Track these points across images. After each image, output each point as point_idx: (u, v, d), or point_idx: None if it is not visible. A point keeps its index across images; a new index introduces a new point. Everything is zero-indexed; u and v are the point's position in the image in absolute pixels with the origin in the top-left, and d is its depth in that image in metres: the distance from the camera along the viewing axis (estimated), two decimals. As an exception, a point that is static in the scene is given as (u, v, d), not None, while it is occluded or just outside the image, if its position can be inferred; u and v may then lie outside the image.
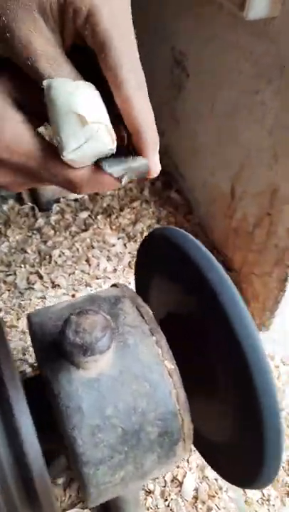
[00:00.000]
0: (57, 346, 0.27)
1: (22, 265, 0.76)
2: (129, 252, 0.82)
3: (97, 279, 0.70)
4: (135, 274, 0.41)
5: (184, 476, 0.53)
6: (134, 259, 0.83)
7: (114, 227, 0.84)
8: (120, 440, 0.27)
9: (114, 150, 0.36)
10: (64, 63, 0.37)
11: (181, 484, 0.53)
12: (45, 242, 0.81)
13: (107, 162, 0.37)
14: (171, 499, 0.52)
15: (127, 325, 0.29)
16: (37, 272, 0.74)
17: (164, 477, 0.56)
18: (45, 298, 0.61)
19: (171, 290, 0.34)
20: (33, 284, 0.72)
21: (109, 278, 0.65)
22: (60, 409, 0.26)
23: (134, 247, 0.83)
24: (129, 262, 0.80)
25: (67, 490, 0.49)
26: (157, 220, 0.88)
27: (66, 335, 0.25)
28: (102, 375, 0.27)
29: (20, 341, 0.53)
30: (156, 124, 0.35)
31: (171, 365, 0.28)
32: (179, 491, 0.52)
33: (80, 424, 0.26)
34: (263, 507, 0.76)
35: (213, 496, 0.54)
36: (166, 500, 0.51)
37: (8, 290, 0.72)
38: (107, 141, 0.36)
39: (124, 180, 0.37)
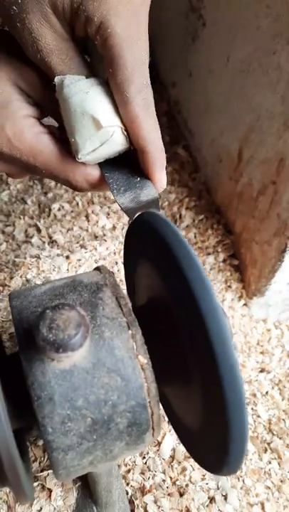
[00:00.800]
0: (32, 337, 0.27)
1: (21, 216, 0.76)
2: (130, 210, 0.80)
3: (95, 237, 0.70)
4: (123, 257, 0.41)
5: (163, 437, 0.56)
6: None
7: (116, 182, 0.83)
8: (89, 429, 0.28)
9: (128, 147, 0.35)
10: (76, 57, 0.35)
11: (159, 444, 0.56)
12: (45, 194, 0.80)
13: (115, 185, 0.36)
14: (149, 457, 0.55)
15: (105, 316, 0.29)
16: (35, 225, 0.74)
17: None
18: (39, 258, 0.61)
19: (151, 275, 0.34)
20: (31, 237, 0.72)
21: (105, 240, 0.65)
22: (32, 398, 0.27)
23: (135, 204, 0.82)
24: (129, 220, 0.79)
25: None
26: (161, 177, 0.86)
27: (40, 330, 0.25)
28: (75, 367, 0.28)
29: (7, 302, 0.54)
30: (168, 73, 0.33)
31: (144, 359, 0.29)
32: (157, 450, 0.55)
33: (50, 414, 0.27)
34: (241, 460, 0.81)
35: (189, 457, 0.57)
36: (144, 458, 0.54)
37: (6, 241, 0.72)
38: (122, 143, 0.35)
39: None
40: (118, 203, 0.36)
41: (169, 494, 0.51)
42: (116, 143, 0.35)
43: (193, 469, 0.56)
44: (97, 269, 0.34)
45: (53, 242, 0.69)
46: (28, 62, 0.36)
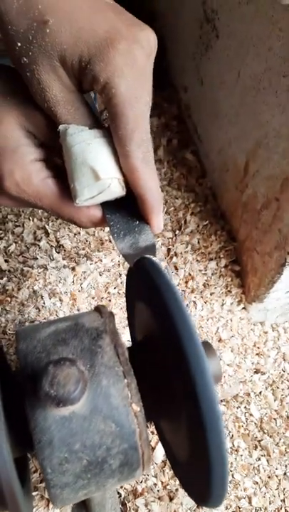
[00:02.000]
0: (36, 385, 0.29)
1: (30, 218, 0.78)
2: (136, 214, 0.82)
3: (101, 244, 0.72)
4: (125, 296, 0.43)
5: (157, 443, 0.60)
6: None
7: (124, 185, 0.84)
8: (84, 469, 0.31)
9: (124, 194, 0.37)
10: (81, 108, 0.37)
11: (153, 449, 0.60)
12: (54, 195, 0.82)
13: (116, 228, 0.38)
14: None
15: (103, 365, 0.32)
16: (44, 228, 0.76)
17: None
18: (46, 269, 0.63)
19: (146, 316, 0.37)
20: (39, 240, 0.74)
21: (111, 252, 0.67)
22: (34, 440, 0.30)
23: (141, 208, 0.83)
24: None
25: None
26: (169, 182, 0.87)
27: (42, 386, 0.28)
28: (74, 414, 0.30)
29: (18, 314, 0.57)
30: (180, 77, 0.36)
31: (137, 407, 0.31)
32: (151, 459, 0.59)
33: (50, 456, 0.30)
34: (231, 456, 0.85)
35: (181, 462, 0.61)
36: (138, 463, 0.58)
37: (16, 243, 0.75)
38: (118, 191, 0.37)
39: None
40: (118, 248, 0.39)
41: (159, 498, 0.55)
42: (112, 192, 0.38)
43: (184, 474, 0.60)
44: (98, 310, 0.37)
45: (60, 246, 0.72)
46: (36, 105, 0.38)
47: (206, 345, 0.38)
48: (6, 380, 0.35)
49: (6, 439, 0.29)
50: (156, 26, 0.91)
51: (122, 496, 0.55)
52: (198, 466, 0.32)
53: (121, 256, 0.41)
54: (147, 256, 0.38)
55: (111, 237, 0.40)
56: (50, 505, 0.45)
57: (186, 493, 0.58)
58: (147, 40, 0.36)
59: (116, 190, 0.38)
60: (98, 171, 0.37)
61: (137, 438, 0.31)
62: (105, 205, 0.40)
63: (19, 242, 0.74)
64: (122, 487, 0.55)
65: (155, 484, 0.56)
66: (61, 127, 0.38)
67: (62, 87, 0.36)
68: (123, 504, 0.54)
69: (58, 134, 0.38)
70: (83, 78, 0.36)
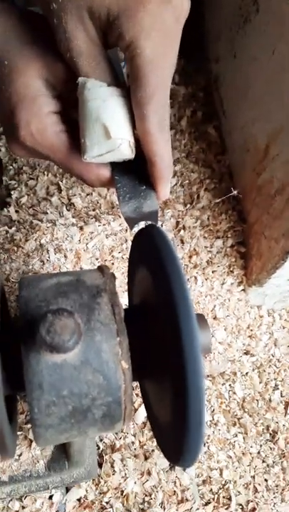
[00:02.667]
0: (33, 331, 0.31)
1: (45, 172, 0.79)
2: (151, 183, 0.82)
3: (112, 207, 0.73)
4: (128, 262, 0.44)
5: (140, 405, 0.62)
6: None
7: (142, 153, 0.84)
8: (69, 415, 0.32)
9: (133, 158, 0.38)
10: (102, 63, 0.37)
11: (136, 410, 0.62)
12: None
13: (122, 191, 0.38)
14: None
15: (98, 321, 0.33)
16: (57, 184, 0.76)
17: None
18: (55, 224, 0.64)
19: (146, 280, 0.38)
20: (51, 195, 0.75)
21: (120, 217, 0.68)
22: (25, 382, 0.32)
23: (156, 177, 0.83)
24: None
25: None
26: (187, 154, 0.87)
27: (40, 331, 0.29)
28: (65, 362, 0.32)
29: (22, 264, 0.58)
30: (213, 46, 0.35)
31: (126, 364, 0.33)
32: (132, 416, 0.61)
33: (38, 397, 0.32)
34: (210, 429, 0.88)
35: (160, 426, 0.63)
36: (120, 421, 0.61)
37: (28, 195, 0.76)
38: (127, 154, 0.38)
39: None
40: (121, 210, 0.39)
41: (135, 456, 0.57)
42: (121, 153, 0.38)
43: (161, 437, 0.62)
44: (101, 270, 0.38)
45: (70, 204, 0.72)
46: (58, 56, 0.38)
47: (200, 317, 0.39)
48: (4, 324, 0.37)
49: (0, 375, 0.31)
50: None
51: (101, 449, 0.57)
52: (177, 427, 0.34)
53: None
54: (154, 224, 0.39)
55: (116, 198, 0.40)
56: (32, 446, 0.47)
57: (161, 455, 0.61)
58: (180, 4, 0.36)
59: (125, 152, 0.38)
60: (110, 130, 0.37)
61: (122, 393, 0.33)
62: (115, 167, 0.40)
63: (31, 194, 0.74)
64: (101, 440, 0.58)
65: (133, 443, 0.59)
66: (80, 80, 0.38)
67: (87, 39, 0.36)
68: (100, 456, 0.56)
69: (77, 86, 0.38)
70: (109, 33, 0.35)
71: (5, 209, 0.69)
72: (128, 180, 0.41)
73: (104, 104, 0.37)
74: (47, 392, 0.32)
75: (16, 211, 0.69)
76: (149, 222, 0.41)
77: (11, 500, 0.50)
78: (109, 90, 0.38)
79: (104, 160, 0.40)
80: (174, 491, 0.57)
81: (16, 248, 0.61)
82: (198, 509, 0.58)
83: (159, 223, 0.76)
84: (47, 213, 0.68)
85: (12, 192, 0.74)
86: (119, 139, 0.38)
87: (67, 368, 0.32)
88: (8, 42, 0.39)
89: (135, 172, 0.41)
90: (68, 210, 0.70)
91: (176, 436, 0.34)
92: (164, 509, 0.55)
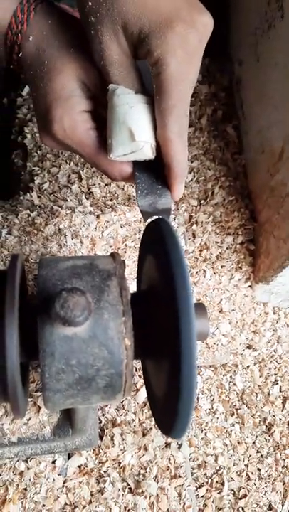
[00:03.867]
0: (48, 306, 0.35)
1: (68, 161, 0.82)
2: (167, 177, 0.86)
3: (128, 199, 0.76)
4: (139, 250, 0.48)
5: (142, 386, 0.66)
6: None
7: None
8: (76, 382, 0.37)
9: (153, 158, 0.42)
10: (132, 73, 0.41)
11: (138, 390, 0.66)
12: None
13: (140, 186, 0.42)
14: (126, 398, 0.65)
15: (107, 302, 0.37)
16: (78, 173, 0.80)
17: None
18: (74, 211, 0.68)
19: (152, 268, 0.42)
20: (72, 183, 0.79)
21: (135, 209, 0.71)
22: (39, 350, 0.36)
23: (173, 172, 0.87)
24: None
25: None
26: (205, 152, 0.90)
27: (55, 306, 0.34)
28: (75, 336, 0.36)
29: (41, 246, 0.62)
30: (237, 49, 0.39)
31: (128, 342, 0.37)
32: (135, 395, 0.66)
33: (50, 364, 0.36)
34: (208, 416, 0.92)
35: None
36: (122, 401, 0.65)
37: (50, 181, 0.80)
38: (149, 155, 0.42)
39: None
40: (138, 203, 0.44)
41: (134, 432, 0.62)
42: (143, 154, 0.42)
43: (160, 418, 0.67)
44: (113, 256, 0.42)
45: (90, 193, 0.76)
46: (93, 61, 0.42)
47: (200, 305, 0.43)
48: (23, 300, 0.41)
49: (17, 344, 0.35)
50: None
51: (103, 423, 0.62)
52: (171, 401, 0.37)
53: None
54: (163, 218, 0.42)
55: (134, 193, 0.44)
56: (40, 412, 0.52)
57: (158, 433, 0.65)
58: (204, 25, 0.40)
59: (147, 153, 0.43)
60: (135, 133, 0.41)
61: (123, 367, 0.37)
62: (136, 165, 0.45)
63: (53, 181, 0.78)
64: (103, 415, 0.62)
65: (133, 420, 0.63)
66: (111, 86, 0.42)
67: (120, 51, 0.40)
68: (102, 429, 0.61)
69: (107, 91, 0.42)
70: (139, 48, 0.39)
71: (28, 194, 0.74)
72: (147, 177, 0.45)
73: (131, 110, 0.41)
74: (57, 361, 0.36)
75: (38, 196, 0.73)
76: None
77: (18, 460, 0.55)
78: (136, 97, 0.42)
79: (128, 159, 0.44)
80: (168, 467, 0.61)
81: (36, 231, 0.65)
82: (189, 486, 0.62)
83: (172, 217, 0.80)
84: (67, 200, 0.72)
85: (35, 178, 0.79)
86: (143, 142, 0.42)
87: (76, 341, 0.36)
88: (48, 42, 0.43)
89: (154, 171, 0.45)
90: (87, 199, 0.74)
91: (170, 409, 0.38)
92: (158, 482, 0.59)
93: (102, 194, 0.76)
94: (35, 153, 0.83)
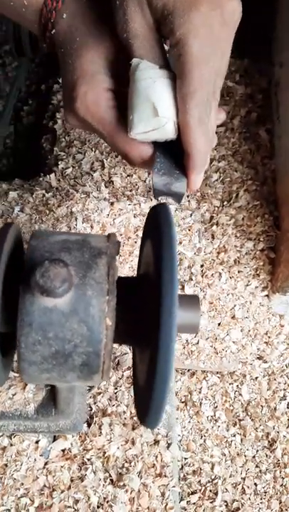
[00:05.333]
0: (31, 275, 0.35)
1: (93, 149, 0.83)
2: (192, 175, 0.84)
3: (148, 191, 0.76)
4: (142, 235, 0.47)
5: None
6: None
7: (189, 144, 0.86)
8: (52, 356, 0.36)
9: (175, 138, 0.40)
10: (156, 47, 0.40)
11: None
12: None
13: (158, 166, 0.41)
14: (120, 390, 0.64)
15: (93, 279, 0.37)
16: (102, 162, 0.80)
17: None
18: (88, 196, 0.68)
19: (150, 254, 0.41)
20: (95, 171, 0.79)
21: (151, 199, 0.71)
22: (18, 318, 0.36)
23: (199, 170, 0.85)
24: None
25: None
26: (233, 153, 0.88)
27: (35, 275, 0.33)
28: (55, 308, 0.35)
29: (51, 227, 0.62)
30: (280, 51, 0.37)
31: (109, 322, 0.36)
32: (129, 387, 0.64)
33: (27, 335, 0.35)
34: (209, 423, 0.90)
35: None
36: (116, 388, 0.64)
37: (73, 167, 0.80)
38: (171, 133, 0.41)
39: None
40: (152, 180, 0.42)
41: (124, 424, 0.61)
42: (166, 132, 0.41)
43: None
44: (108, 236, 0.41)
45: (110, 182, 0.76)
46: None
47: (193, 297, 0.41)
48: (14, 270, 0.41)
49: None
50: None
51: (93, 411, 0.61)
52: (147, 392, 0.36)
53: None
54: (166, 203, 0.41)
55: (151, 170, 0.43)
56: (26, 389, 0.52)
57: (148, 429, 0.64)
58: (231, 10, 0.38)
59: (169, 130, 0.41)
60: (158, 108, 0.40)
61: (102, 346, 0.36)
62: (156, 146, 0.43)
63: (76, 167, 0.79)
64: (95, 403, 0.61)
65: (124, 412, 0.62)
66: (134, 60, 0.41)
67: (144, 23, 0.39)
68: (91, 417, 0.60)
69: (130, 66, 0.41)
70: (162, 25, 0.38)
71: (48, 176, 0.74)
72: (166, 160, 0.44)
73: (154, 85, 0.40)
74: (35, 332, 0.35)
75: (58, 180, 0.73)
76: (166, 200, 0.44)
77: (1, 435, 0.55)
78: (160, 72, 0.41)
79: (149, 137, 0.42)
80: (154, 465, 0.59)
81: (48, 211, 0.65)
82: (174, 487, 0.60)
83: (189, 212, 0.78)
84: (85, 186, 0.72)
85: (59, 162, 0.79)
86: (166, 118, 0.40)
87: (56, 314, 0.35)
88: (80, 20, 0.43)
89: (174, 156, 0.44)
90: (106, 187, 0.74)
91: (146, 399, 0.37)
92: (141, 478, 0.58)
93: (123, 184, 0.76)
94: (63, 139, 0.84)
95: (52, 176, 0.74)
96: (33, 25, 0.45)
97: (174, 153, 0.43)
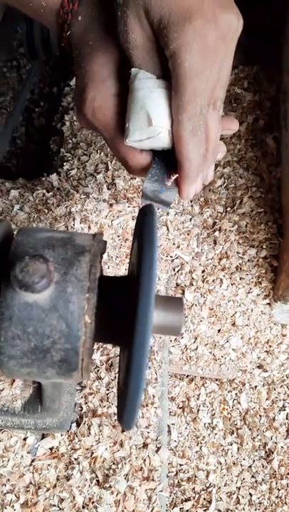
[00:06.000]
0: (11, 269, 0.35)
1: (98, 151, 0.83)
2: (196, 180, 0.84)
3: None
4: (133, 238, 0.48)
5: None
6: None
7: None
8: (31, 350, 0.36)
9: (170, 147, 0.41)
10: (154, 58, 0.41)
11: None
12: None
13: (152, 172, 0.42)
14: (112, 391, 0.64)
15: (74, 276, 0.37)
16: (106, 164, 0.81)
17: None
18: (88, 197, 0.69)
19: (135, 254, 0.41)
20: (98, 173, 0.79)
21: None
22: (-2, 312, 0.36)
23: (203, 176, 0.85)
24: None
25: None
26: (239, 159, 0.88)
27: (15, 269, 0.34)
28: (35, 304, 0.36)
29: (48, 226, 0.63)
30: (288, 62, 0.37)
31: (88, 319, 0.36)
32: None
33: (6, 328, 0.36)
34: (206, 430, 0.89)
35: (145, 405, 0.66)
36: (108, 389, 0.64)
37: (78, 168, 0.81)
38: (165, 142, 0.41)
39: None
40: (143, 185, 0.43)
41: (113, 426, 0.61)
42: (160, 141, 0.41)
43: (143, 417, 0.65)
44: (94, 235, 0.41)
45: (113, 184, 0.77)
46: None
47: (176, 300, 0.41)
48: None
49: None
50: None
51: (83, 411, 0.61)
52: (123, 390, 0.36)
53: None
54: (152, 205, 0.41)
55: (145, 176, 0.44)
56: (14, 385, 0.52)
57: (138, 432, 0.63)
58: (227, 23, 0.38)
59: (163, 140, 0.42)
60: (152, 118, 0.40)
61: (80, 344, 0.36)
62: (155, 154, 0.44)
63: (81, 169, 0.79)
64: (86, 403, 0.61)
65: (115, 414, 0.62)
66: (133, 70, 0.42)
67: (143, 34, 0.40)
68: (81, 417, 0.60)
69: (130, 75, 0.42)
70: (159, 38, 0.39)
71: (51, 176, 0.75)
72: (161, 168, 0.44)
73: (151, 95, 0.41)
74: (14, 326, 0.36)
75: (60, 180, 0.74)
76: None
77: (-10, 431, 0.55)
78: (157, 82, 0.41)
79: (144, 146, 0.43)
80: (142, 468, 0.59)
81: (46, 210, 0.66)
82: (161, 491, 0.60)
83: (188, 217, 0.78)
84: (87, 186, 0.73)
85: (64, 164, 0.80)
86: (160, 128, 0.41)
87: (36, 309, 0.36)
88: (95, 23, 0.44)
89: (170, 165, 0.44)
90: (108, 189, 0.74)
91: (122, 400, 0.37)
92: (128, 481, 0.58)
93: (125, 187, 0.76)
94: (70, 141, 0.85)
95: (53, 176, 0.75)
96: (52, 25, 0.46)
97: (170, 162, 0.44)
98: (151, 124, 0.41)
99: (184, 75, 0.38)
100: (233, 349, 0.89)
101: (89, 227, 0.63)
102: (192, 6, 0.37)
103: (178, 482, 0.81)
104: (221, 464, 0.87)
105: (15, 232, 0.41)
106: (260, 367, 0.92)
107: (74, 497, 0.56)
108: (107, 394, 0.64)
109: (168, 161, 0.44)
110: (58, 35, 0.46)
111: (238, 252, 0.85)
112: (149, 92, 0.41)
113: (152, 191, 0.44)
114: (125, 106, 0.44)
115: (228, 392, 0.92)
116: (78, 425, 0.60)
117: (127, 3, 0.39)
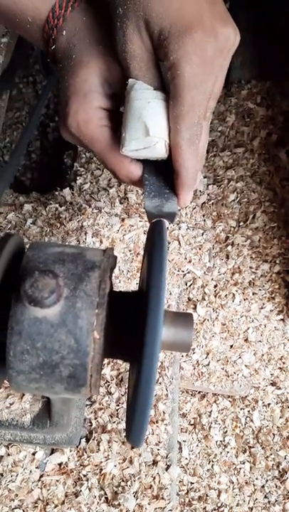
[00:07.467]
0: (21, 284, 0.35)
1: (112, 166, 0.84)
2: (208, 194, 0.84)
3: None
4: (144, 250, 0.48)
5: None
6: (209, 202, 0.85)
7: (207, 164, 0.86)
8: (39, 366, 0.36)
9: (165, 158, 0.41)
10: (152, 69, 0.41)
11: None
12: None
13: (148, 189, 0.42)
14: (122, 406, 0.64)
15: (83, 291, 0.37)
16: (119, 178, 0.81)
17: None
18: (100, 211, 0.69)
19: (144, 271, 0.41)
20: (111, 187, 0.80)
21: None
22: (8, 326, 0.36)
23: (215, 190, 0.85)
24: (203, 203, 0.84)
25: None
26: (252, 174, 0.87)
27: (24, 284, 0.34)
28: (44, 319, 0.36)
29: (60, 240, 0.63)
30: None
31: (97, 335, 0.36)
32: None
33: (15, 343, 0.36)
34: (218, 448, 0.88)
35: (155, 422, 0.65)
36: (118, 405, 0.63)
37: (91, 183, 0.81)
38: (162, 153, 0.42)
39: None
40: (144, 204, 0.43)
41: (122, 442, 0.60)
42: (157, 151, 0.42)
43: (153, 433, 0.64)
44: (104, 251, 0.41)
45: (125, 198, 0.77)
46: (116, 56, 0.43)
47: (185, 315, 0.41)
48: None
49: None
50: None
51: (93, 426, 0.61)
52: (131, 407, 0.36)
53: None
54: (163, 220, 0.41)
55: (142, 194, 0.44)
56: (23, 399, 0.52)
57: (147, 449, 0.63)
58: (225, 36, 0.39)
59: (160, 150, 0.42)
60: (149, 128, 0.41)
61: (88, 360, 0.36)
62: (146, 167, 0.44)
63: (94, 183, 0.80)
64: (96, 418, 0.61)
65: (125, 430, 0.61)
66: (130, 81, 0.42)
67: (141, 45, 0.40)
68: (90, 432, 0.60)
69: (126, 85, 0.42)
70: (158, 49, 0.39)
71: (64, 190, 0.76)
72: (156, 181, 0.45)
73: (148, 105, 0.41)
74: (23, 341, 0.36)
75: (73, 194, 0.75)
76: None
77: (0, 444, 0.55)
78: (154, 94, 0.42)
79: (140, 155, 0.44)
80: (151, 486, 0.58)
81: (58, 225, 0.67)
82: (171, 510, 0.59)
83: (200, 231, 0.78)
84: (100, 201, 0.73)
85: (78, 178, 0.81)
86: (157, 138, 0.42)
87: (45, 324, 0.36)
88: (79, 38, 0.45)
89: (164, 175, 0.44)
90: (121, 204, 0.75)
91: (130, 417, 0.36)
92: (137, 499, 0.57)
93: (138, 201, 0.76)
94: (84, 155, 0.86)
95: (66, 190, 0.75)
96: (38, 41, 0.46)
97: (163, 173, 0.44)
98: (148, 134, 0.41)
99: (184, 85, 0.39)
100: (245, 365, 0.88)
101: (101, 242, 0.64)
102: (193, 18, 0.38)
103: (188, 501, 0.80)
104: (232, 483, 0.85)
105: (27, 246, 0.42)
106: (273, 384, 0.91)
107: (82, 514, 0.55)
108: (117, 409, 0.63)
109: (161, 171, 0.44)
110: (45, 50, 0.47)
111: (250, 267, 0.85)
112: (146, 103, 0.41)
113: (154, 207, 0.44)
114: (114, 117, 0.45)
115: (241, 409, 0.91)
116: (88, 441, 0.59)
117: (128, 13, 0.39)
